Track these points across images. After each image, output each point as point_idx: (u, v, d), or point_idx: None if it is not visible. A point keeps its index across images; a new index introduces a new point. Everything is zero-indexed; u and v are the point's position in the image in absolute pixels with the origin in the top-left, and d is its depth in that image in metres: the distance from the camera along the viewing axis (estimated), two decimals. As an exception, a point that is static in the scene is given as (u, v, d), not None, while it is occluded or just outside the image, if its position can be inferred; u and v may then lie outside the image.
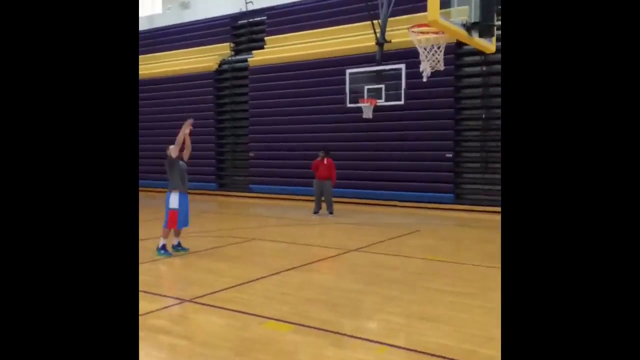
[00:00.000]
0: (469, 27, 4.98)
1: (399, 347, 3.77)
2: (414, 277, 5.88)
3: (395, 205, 13.06)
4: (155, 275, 5.98)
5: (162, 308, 4.64)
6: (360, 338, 3.94)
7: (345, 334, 4.02)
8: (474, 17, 5.03)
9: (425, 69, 5.69)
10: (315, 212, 11.55)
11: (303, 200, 14.34)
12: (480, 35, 5.05)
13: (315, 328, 4.13)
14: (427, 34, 5.45)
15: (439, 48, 5.68)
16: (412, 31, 5.70)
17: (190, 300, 4.87)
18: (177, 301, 4.86)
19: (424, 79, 6.02)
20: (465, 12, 5.00)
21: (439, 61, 5.74)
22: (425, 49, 5.69)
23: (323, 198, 11.55)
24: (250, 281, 5.64)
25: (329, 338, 3.95)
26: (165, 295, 5.03)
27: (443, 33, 5.33)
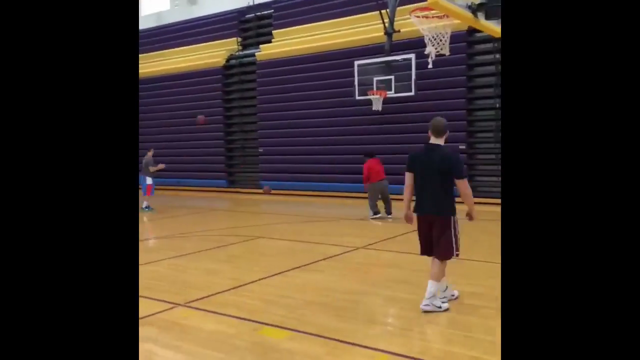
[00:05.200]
0: (474, 9, 4.64)
1: (401, 355, 3.49)
2: (421, 276, 5.56)
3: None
4: (150, 277, 5.78)
5: (153, 313, 4.42)
6: (359, 345, 3.67)
7: (343, 341, 3.75)
8: (480, -1, 4.69)
9: (431, 52, 5.37)
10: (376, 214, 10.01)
11: (313, 195, 14.08)
12: (487, 18, 4.67)
13: (312, 334, 3.87)
14: (430, 18, 5.13)
15: (444, 32, 5.34)
16: (415, 16, 5.38)
17: (184, 305, 4.65)
18: (170, 305, 4.64)
19: (430, 65, 5.70)
20: (472, -5, 4.69)
21: (444, 45, 5.40)
22: (430, 32, 5.37)
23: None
24: (250, 283, 5.40)
25: (326, 345, 3.68)
26: (158, 299, 4.82)
27: (447, 17, 5.01)
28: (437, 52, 5.36)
